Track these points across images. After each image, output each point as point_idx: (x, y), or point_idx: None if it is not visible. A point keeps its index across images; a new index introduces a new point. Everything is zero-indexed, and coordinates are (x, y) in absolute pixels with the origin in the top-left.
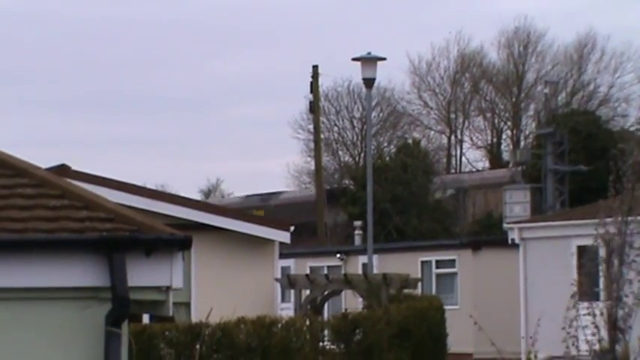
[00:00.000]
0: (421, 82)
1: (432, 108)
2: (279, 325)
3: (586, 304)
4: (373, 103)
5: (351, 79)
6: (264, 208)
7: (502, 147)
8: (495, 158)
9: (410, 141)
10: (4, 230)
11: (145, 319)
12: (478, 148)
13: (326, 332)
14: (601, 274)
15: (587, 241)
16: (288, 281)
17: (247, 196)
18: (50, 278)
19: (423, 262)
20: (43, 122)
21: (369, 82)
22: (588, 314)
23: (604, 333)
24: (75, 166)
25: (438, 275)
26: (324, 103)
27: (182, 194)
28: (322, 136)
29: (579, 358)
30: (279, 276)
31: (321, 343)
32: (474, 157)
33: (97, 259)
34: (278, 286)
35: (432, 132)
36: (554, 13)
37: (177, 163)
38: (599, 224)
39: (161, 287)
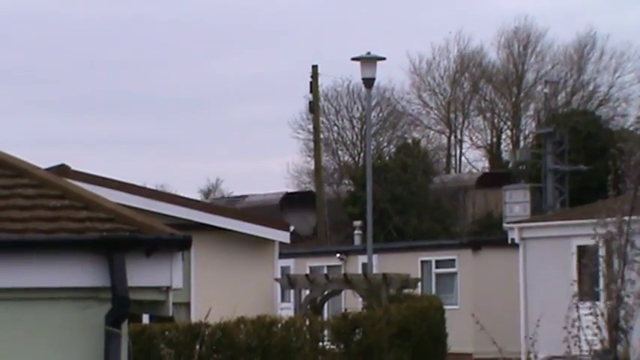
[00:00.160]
0: (421, 81)
1: (431, 108)
2: (279, 325)
3: (586, 304)
4: (373, 103)
5: (350, 79)
6: None
7: (502, 147)
8: (495, 158)
9: (409, 141)
10: (4, 230)
11: (145, 319)
12: (478, 147)
13: (326, 332)
14: (601, 274)
15: (587, 241)
16: (288, 281)
17: (214, 199)
18: (50, 278)
19: (422, 262)
20: (43, 122)
21: (368, 82)
22: (589, 314)
23: (605, 333)
24: (75, 166)
25: (438, 275)
26: (323, 102)
27: (182, 194)
28: (322, 135)
29: (580, 358)
30: (279, 276)
31: (320, 343)
32: (473, 157)
33: (97, 259)
34: (278, 286)
35: (432, 132)
36: (553, 12)
37: (177, 163)
38: (599, 224)
39: (161, 287)
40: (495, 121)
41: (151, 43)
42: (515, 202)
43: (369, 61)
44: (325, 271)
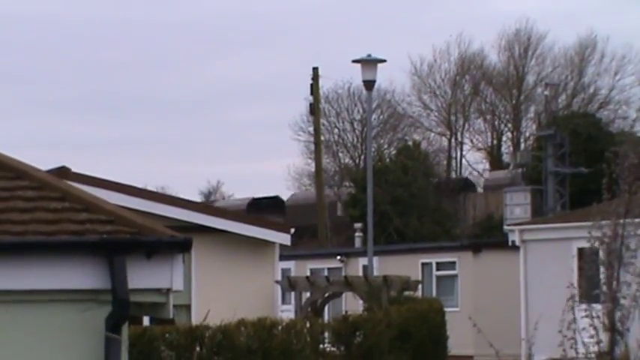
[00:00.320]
0: (422, 83)
1: (432, 110)
2: (280, 328)
3: (585, 306)
4: (373, 105)
5: (351, 81)
6: None
7: (502, 149)
8: (496, 160)
9: (410, 143)
10: (4, 233)
11: (146, 321)
12: (478, 150)
13: (326, 334)
14: (602, 276)
15: (588, 243)
16: (289, 283)
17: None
18: (50, 281)
19: (423, 264)
20: (43, 124)
21: (369, 85)
22: (587, 317)
23: (602, 335)
24: (75, 168)
25: (439, 277)
26: (324, 105)
27: (182, 196)
28: (322, 138)
29: None
30: (279, 278)
31: (321, 346)
32: (474, 159)
33: (98, 261)
34: (278, 288)
35: (433, 134)
36: (554, 15)
37: (177, 164)
38: (594, 227)
39: (161, 289)
40: (496, 123)
41: (151, 44)
42: (516, 204)
43: (369, 63)
44: (326, 274)
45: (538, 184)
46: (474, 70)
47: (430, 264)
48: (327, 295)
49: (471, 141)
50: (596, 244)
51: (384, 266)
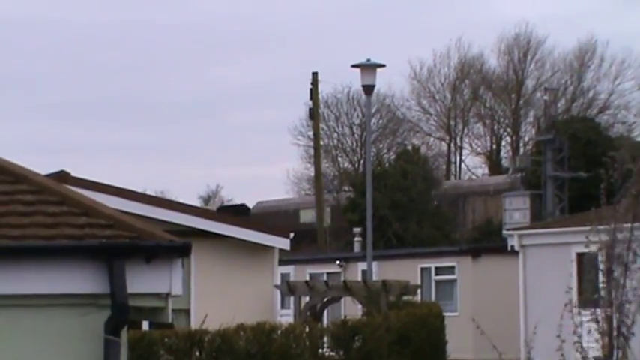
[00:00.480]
0: (421, 88)
1: (431, 114)
2: (279, 332)
3: (585, 311)
4: (373, 110)
5: (350, 85)
6: None
7: (501, 153)
8: (495, 165)
9: (409, 147)
10: (3, 237)
11: (145, 325)
12: (477, 154)
13: (325, 339)
14: (601, 280)
15: (586, 248)
16: (288, 288)
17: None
18: (49, 285)
19: (422, 269)
20: (42, 128)
21: (368, 89)
22: (588, 321)
23: (603, 340)
24: (74, 173)
25: (438, 282)
26: (323, 109)
27: (182, 201)
28: (322, 142)
29: None
30: (278, 282)
31: (320, 350)
32: (473, 164)
33: (97, 265)
34: (277, 292)
35: (432, 139)
36: (554, 19)
37: (177, 169)
38: (592, 231)
39: (160, 294)
40: (495, 127)
41: (151, 48)
42: (515, 209)
43: (368, 67)
44: (325, 278)
45: (537, 188)
46: (473, 75)
47: (429, 269)
48: (326, 299)
49: (470, 146)
50: (595, 248)
51: (383, 271)
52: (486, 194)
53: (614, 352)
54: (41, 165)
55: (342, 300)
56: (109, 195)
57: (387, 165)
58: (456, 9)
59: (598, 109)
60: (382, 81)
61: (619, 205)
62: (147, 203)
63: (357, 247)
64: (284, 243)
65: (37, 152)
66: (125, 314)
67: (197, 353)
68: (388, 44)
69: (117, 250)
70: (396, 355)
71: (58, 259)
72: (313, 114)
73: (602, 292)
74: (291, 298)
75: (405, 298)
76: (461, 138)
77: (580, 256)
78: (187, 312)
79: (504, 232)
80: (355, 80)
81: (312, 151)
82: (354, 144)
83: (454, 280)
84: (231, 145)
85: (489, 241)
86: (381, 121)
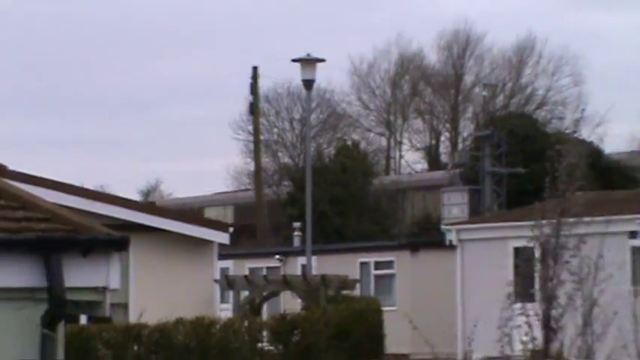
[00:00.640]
0: (361, 83)
1: (371, 110)
2: (218, 326)
3: (521, 304)
4: (313, 105)
5: (291, 80)
6: None
7: (440, 149)
8: (434, 160)
9: (349, 143)
10: None
11: (82, 319)
12: (417, 150)
13: (264, 333)
14: (536, 274)
15: (524, 243)
16: (227, 282)
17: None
18: None
19: (361, 264)
20: None
21: (308, 84)
22: (523, 314)
23: (537, 333)
24: (12, 167)
25: (377, 276)
26: (264, 104)
27: (121, 195)
28: (262, 137)
29: (514, 358)
30: (218, 277)
31: (259, 344)
32: (412, 159)
33: (34, 259)
34: (217, 287)
35: (372, 134)
36: (493, 16)
37: (116, 163)
38: (536, 226)
39: (98, 288)
40: (434, 123)
41: (91, 42)
42: (454, 204)
43: (308, 62)
44: (264, 273)
45: (476, 184)
46: (413, 70)
47: (368, 263)
48: (265, 294)
49: (410, 141)
50: (532, 243)
51: (323, 265)
52: (425, 189)
53: (548, 346)
54: None
55: (282, 294)
56: (48, 189)
57: (326, 160)
58: (396, 5)
59: (536, 105)
60: (322, 76)
61: (551, 200)
62: (86, 197)
63: (296, 242)
64: (223, 237)
65: None
66: (62, 308)
67: (135, 348)
68: (329, 39)
69: (54, 244)
70: (334, 350)
71: None
72: (253, 108)
73: (537, 286)
74: (231, 293)
75: (344, 292)
76: (400, 133)
77: (517, 250)
78: (125, 306)
79: (442, 226)
80: (295, 75)
81: (252, 146)
82: (294, 139)
83: (393, 275)
84: (171, 139)
85: (428, 236)
86: (321, 116)
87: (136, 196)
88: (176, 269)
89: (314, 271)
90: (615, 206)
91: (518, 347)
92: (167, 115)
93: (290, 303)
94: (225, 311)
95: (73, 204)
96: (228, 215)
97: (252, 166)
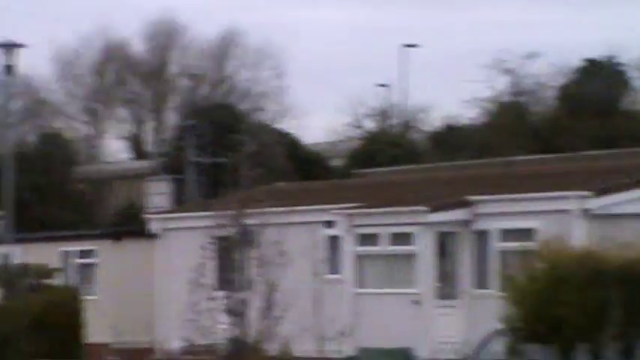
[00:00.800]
0: (65, 70)
1: (75, 97)
2: None
3: (219, 292)
4: (15, 91)
5: None
6: None
7: (145, 138)
8: (138, 149)
9: (52, 131)
10: None
11: None
12: (121, 138)
13: None
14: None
15: (221, 232)
16: None
17: None
18: None
19: (64, 253)
20: None
21: (9, 69)
22: (212, 302)
23: (223, 319)
24: None
25: (79, 265)
26: None
27: None
28: None
29: (210, 345)
30: None
31: None
32: (117, 148)
33: None
34: None
35: (76, 122)
36: (198, 7)
37: None
38: (217, 217)
39: None
40: (139, 112)
41: None
42: (157, 193)
43: (9, 47)
44: None
45: (179, 173)
46: (118, 59)
47: (71, 252)
48: None
49: (114, 130)
50: (226, 232)
51: (26, 254)
52: (130, 178)
53: (237, 331)
54: None
55: None
56: None
57: (29, 147)
58: None
59: (238, 96)
60: (25, 62)
61: (240, 192)
62: None
63: None
64: None
65: None
66: None
67: None
68: (31, 25)
69: None
70: (34, 339)
71: None
72: None
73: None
74: None
75: (46, 281)
76: (105, 122)
77: (218, 239)
78: None
79: (144, 215)
80: None
81: None
82: None
83: (94, 264)
84: None
85: (132, 225)
86: (23, 103)
87: None
88: None
89: (17, 261)
90: (312, 196)
91: (212, 334)
92: None
93: None
94: None
95: None
96: None
97: None
